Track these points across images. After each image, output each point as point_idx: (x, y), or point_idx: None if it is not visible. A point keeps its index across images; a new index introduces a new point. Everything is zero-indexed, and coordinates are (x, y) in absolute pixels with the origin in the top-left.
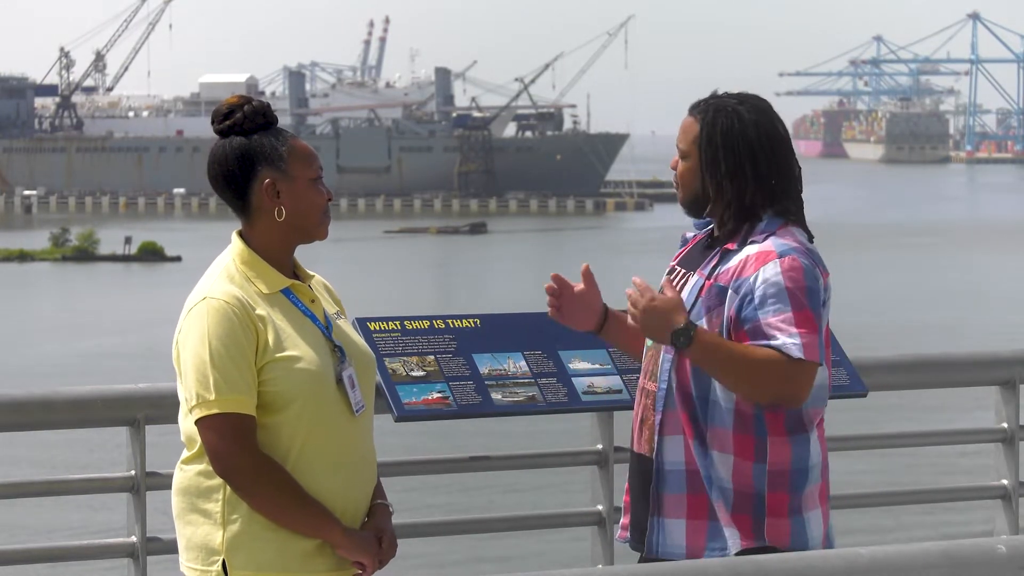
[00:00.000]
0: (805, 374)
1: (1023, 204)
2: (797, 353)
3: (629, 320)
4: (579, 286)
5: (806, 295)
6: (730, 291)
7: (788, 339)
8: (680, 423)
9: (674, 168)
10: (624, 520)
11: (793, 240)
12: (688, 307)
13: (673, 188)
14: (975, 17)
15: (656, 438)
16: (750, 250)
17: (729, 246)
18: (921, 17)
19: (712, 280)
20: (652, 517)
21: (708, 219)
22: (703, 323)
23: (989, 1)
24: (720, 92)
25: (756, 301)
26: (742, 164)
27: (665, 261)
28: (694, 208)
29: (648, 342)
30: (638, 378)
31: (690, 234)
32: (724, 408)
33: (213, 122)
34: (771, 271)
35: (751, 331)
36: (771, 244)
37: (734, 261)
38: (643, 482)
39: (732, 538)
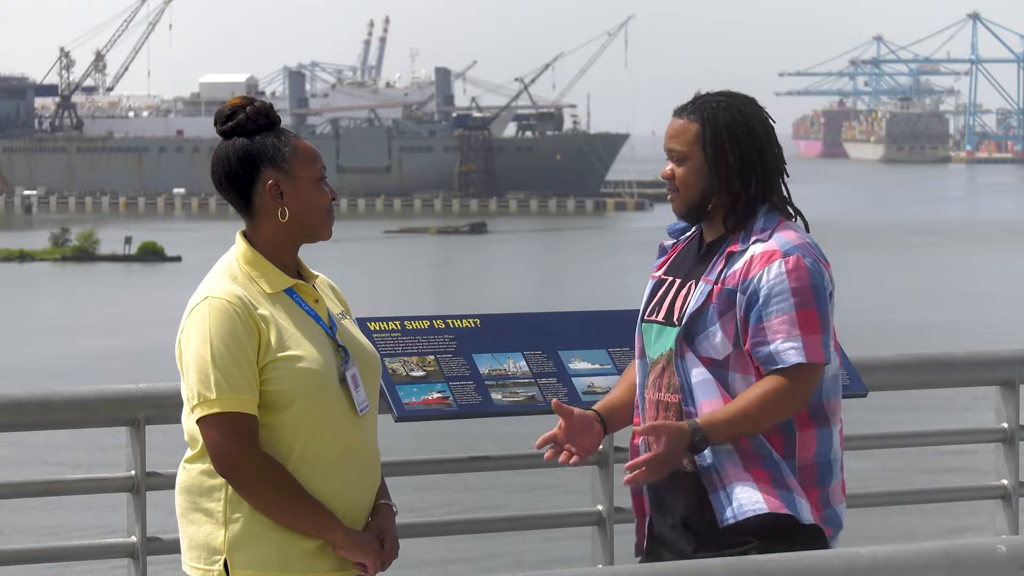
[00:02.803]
0: (805, 376)
1: (1023, 204)
2: (796, 358)
3: (648, 478)
4: (564, 422)
5: (812, 294)
6: (738, 293)
7: (786, 343)
8: None
9: (669, 176)
10: (641, 530)
11: (795, 236)
12: (701, 315)
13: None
14: (975, 17)
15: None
16: (755, 249)
17: (733, 248)
18: (921, 17)
19: (721, 284)
20: (714, 494)
21: (686, 224)
22: (716, 328)
23: (989, 1)
24: (703, 92)
25: (760, 301)
26: (750, 156)
27: None
28: (692, 214)
29: (661, 349)
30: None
31: (668, 243)
32: None
33: (216, 123)
34: (775, 271)
35: (754, 333)
36: (775, 243)
37: (740, 263)
38: (667, 487)
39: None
